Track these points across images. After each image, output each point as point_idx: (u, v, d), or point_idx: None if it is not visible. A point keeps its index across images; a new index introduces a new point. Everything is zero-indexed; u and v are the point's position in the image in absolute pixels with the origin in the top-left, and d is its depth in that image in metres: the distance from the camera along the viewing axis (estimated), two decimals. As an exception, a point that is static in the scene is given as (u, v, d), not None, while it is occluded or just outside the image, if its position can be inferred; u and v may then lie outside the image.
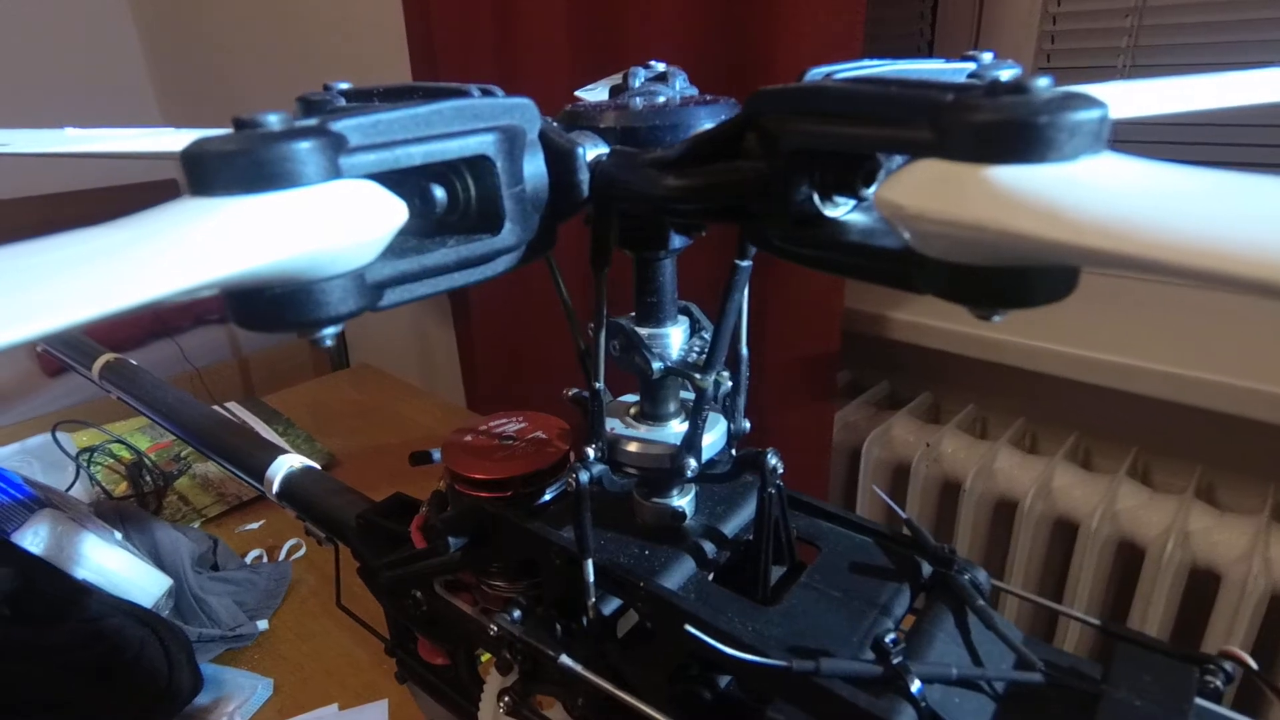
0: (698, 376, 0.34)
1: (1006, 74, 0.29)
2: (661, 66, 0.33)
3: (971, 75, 0.29)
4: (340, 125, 0.20)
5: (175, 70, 2.53)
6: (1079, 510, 0.97)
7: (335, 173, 0.19)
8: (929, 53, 1.22)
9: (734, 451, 0.38)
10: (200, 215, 0.17)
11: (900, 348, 1.09)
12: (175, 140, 0.33)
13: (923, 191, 0.17)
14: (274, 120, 0.19)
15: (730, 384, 0.37)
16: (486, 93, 0.27)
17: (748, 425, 0.38)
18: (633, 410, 0.38)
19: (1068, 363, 0.95)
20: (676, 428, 0.37)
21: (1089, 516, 0.95)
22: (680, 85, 0.32)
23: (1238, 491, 0.99)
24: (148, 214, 0.17)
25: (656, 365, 0.35)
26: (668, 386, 0.37)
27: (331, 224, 0.19)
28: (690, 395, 0.38)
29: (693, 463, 0.35)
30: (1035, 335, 0.97)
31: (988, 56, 0.30)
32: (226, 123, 0.19)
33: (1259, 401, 0.84)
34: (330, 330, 0.20)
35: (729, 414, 0.38)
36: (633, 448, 0.37)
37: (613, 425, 0.37)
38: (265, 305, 0.19)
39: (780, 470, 0.35)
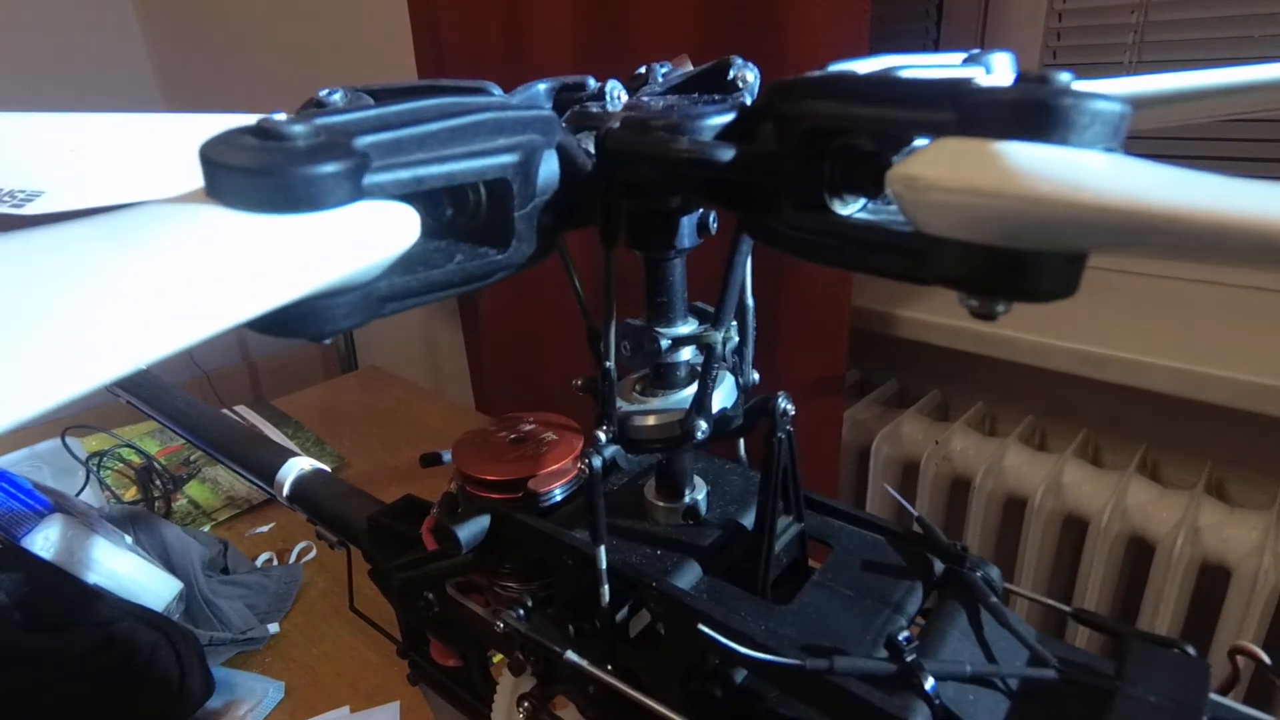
0: (706, 331, 0.33)
1: (1001, 56, 0.29)
2: (642, 69, 0.33)
3: (966, 61, 0.29)
4: (364, 142, 0.20)
5: (179, 66, 2.54)
6: (1089, 507, 0.97)
7: (359, 194, 0.19)
8: (935, 49, 1.22)
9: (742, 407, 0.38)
10: (226, 240, 0.17)
11: (909, 345, 1.09)
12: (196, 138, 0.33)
13: (940, 163, 0.17)
14: (299, 131, 0.18)
15: (737, 338, 0.36)
16: (479, 91, 0.27)
17: (756, 376, 0.38)
18: (639, 385, 0.38)
19: (1076, 359, 0.95)
20: (686, 392, 0.37)
21: (1099, 513, 0.95)
22: (662, 74, 0.32)
23: (1248, 487, 0.98)
24: (169, 233, 0.17)
25: (665, 343, 0.34)
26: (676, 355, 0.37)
27: (353, 247, 0.18)
28: (698, 360, 0.38)
29: (703, 424, 0.34)
30: (1044, 332, 0.97)
31: (977, 51, 0.30)
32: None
33: (1268, 397, 0.84)
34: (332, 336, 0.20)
35: (737, 369, 0.37)
36: (642, 420, 0.36)
37: (621, 404, 0.37)
38: (275, 317, 0.19)
39: (791, 413, 0.35)
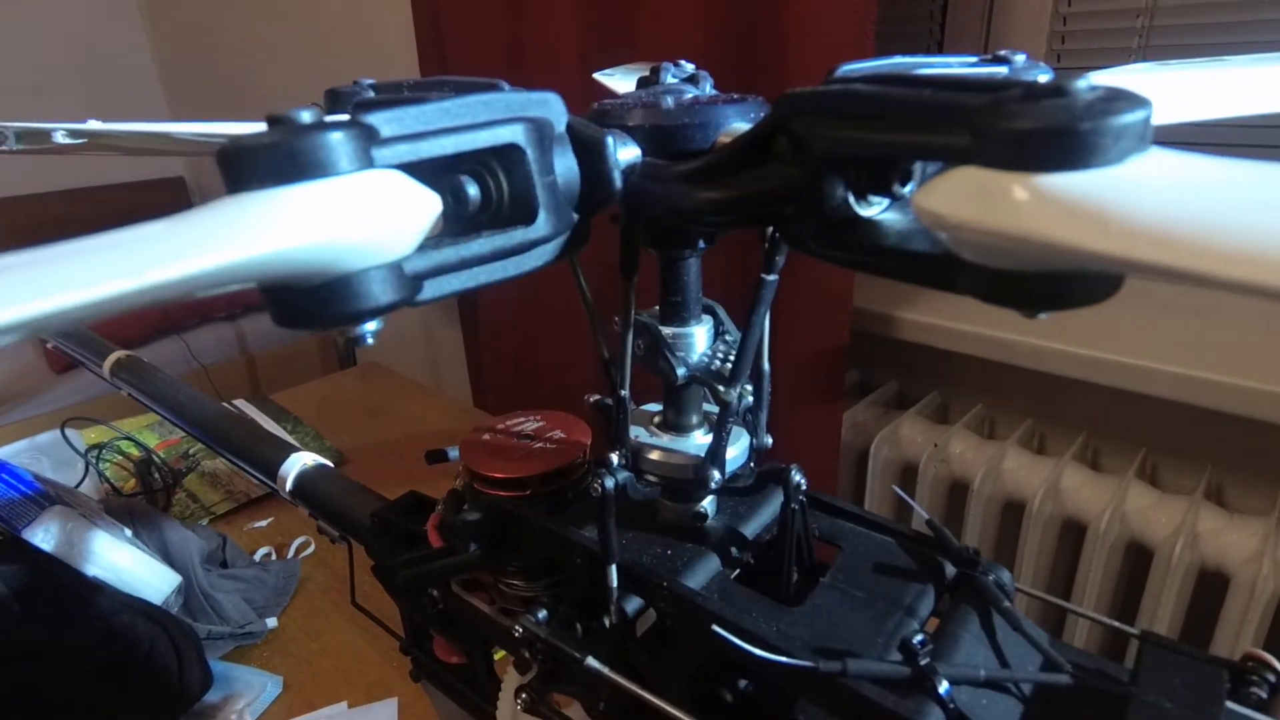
0: (722, 390, 0.34)
1: (1042, 79, 0.29)
2: (691, 67, 0.33)
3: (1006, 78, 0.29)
4: (372, 118, 0.20)
5: (183, 68, 2.54)
6: (1088, 511, 0.97)
7: (368, 163, 0.20)
8: (939, 51, 1.22)
9: (753, 465, 0.39)
10: (236, 206, 0.18)
11: (909, 348, 1.09)
12: (199, 129, 0.33)
13: (964, 201, 0.17)
14: (306, 115, 0.19)
15: (752, 398, 0.37)
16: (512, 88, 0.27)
17: (770, 441, 0.38)
18: (656, 419, 0.38)
19: (1076, 363, 0.95)
20: (700, 439, 0.37)
21: (1098, 517, 0.95)
22: (709, 89, 0.32)
23: (1247, 492, 0.98)
24: (187, 211, 0.18)
25: (681, 371, 0.35)
26: (691, 396, 0.37)
27: (365, 212, 0.19)
28: (713, 407, 0.38)
29: (716, 474, 0.35)
30: (1044, 336, 0.97)
31: (1020, 58, 0.30)
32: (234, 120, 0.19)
33: (1268, 402, 0.84)
34: (372, 326, 0.20)
35: (751, 428, 0.38)
36: (656, 456, 0.37)
37: (636, 434, 0.37)
38: (305, 299, 0.19)
39: (804, 486, 0.36)
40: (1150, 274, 0.15)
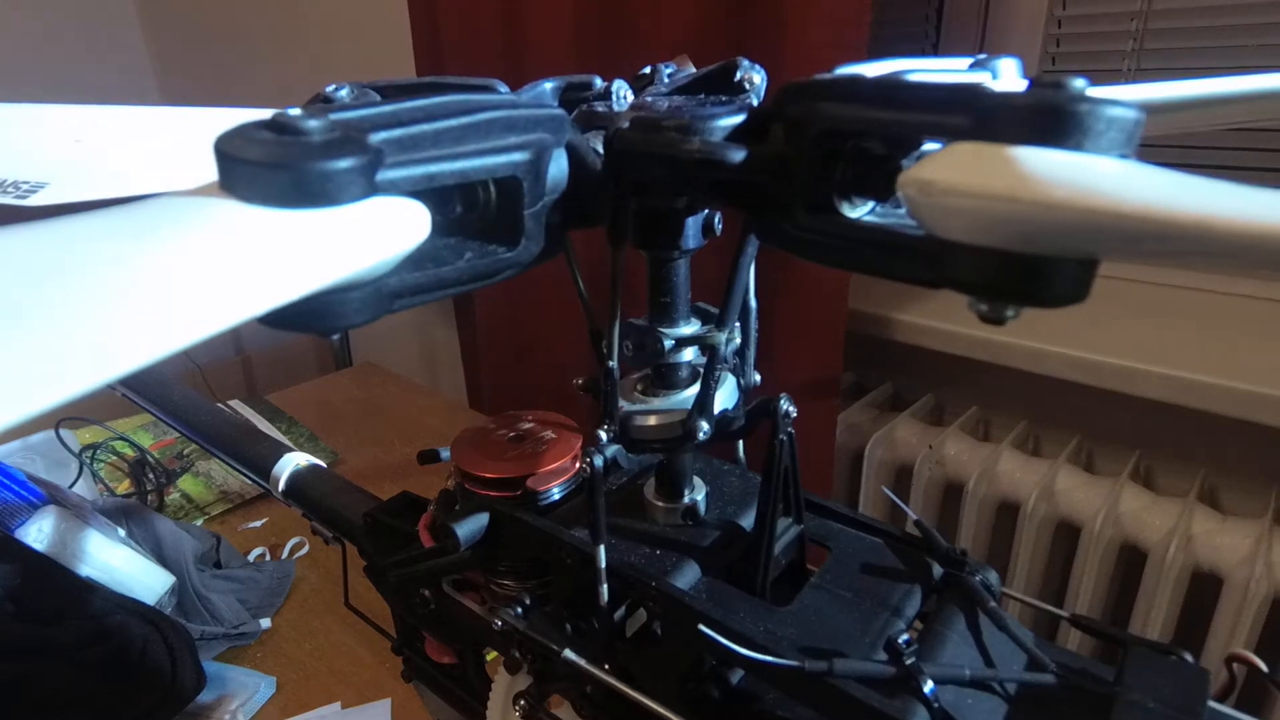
0: (709, 332, 0.33)
1: (1008, 62, 0.29)
2: (647, 69, 0.33)
3: (973, 66, 0.29)
4: (378, 138, 0.20)
5: (177, 60, 2.53)
6: (1081, 513, 0.98)
7: (372, 189, 0.19)
8: (934, 53, 1.22)
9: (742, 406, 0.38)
10: (240, 234, 0.17)
11: (904, 349, 1.09)
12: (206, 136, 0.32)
13: (955, 167, 0.18)
14: (315, 126, 0.18)
15: (739, 339, 0.36)
16: (486, 88, 0.27)
17: (758, 378, 0.38)
18: (640, 386, 0.38)
19: (1071, 365, 0.95)
20: (688, 393, 0.37)
21: (1091, 519, 0.95)
22: (667, 75, 0.32)
23: (1240, 495, 0.99)
24: (184, 227, 0.17)
25: (668, 343, 0.34)
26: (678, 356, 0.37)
27: (365, 244, 0.18)
28: (700, 360, 0.37)
29: (705, 425, 0.34)
30: (1038, 338, 0.97)
31: (984, 56, 0.30)
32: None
33: (1261, 405, 0.84)
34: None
35: (739, 370, 0.37)
36: (644, 420, 0.36)
37: (622, 403, 0.37)
38: (286, 312, 0.19)
39: (793, 415, 0.35)
40: (1133, 238, 0.15)
